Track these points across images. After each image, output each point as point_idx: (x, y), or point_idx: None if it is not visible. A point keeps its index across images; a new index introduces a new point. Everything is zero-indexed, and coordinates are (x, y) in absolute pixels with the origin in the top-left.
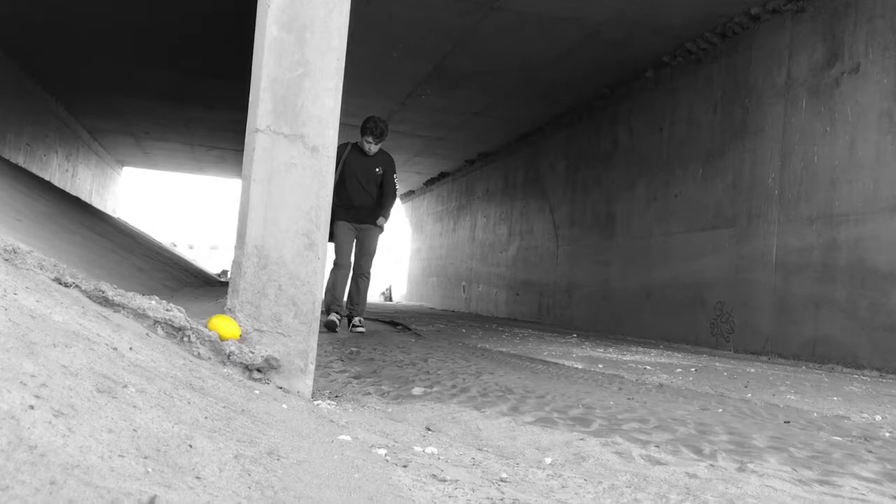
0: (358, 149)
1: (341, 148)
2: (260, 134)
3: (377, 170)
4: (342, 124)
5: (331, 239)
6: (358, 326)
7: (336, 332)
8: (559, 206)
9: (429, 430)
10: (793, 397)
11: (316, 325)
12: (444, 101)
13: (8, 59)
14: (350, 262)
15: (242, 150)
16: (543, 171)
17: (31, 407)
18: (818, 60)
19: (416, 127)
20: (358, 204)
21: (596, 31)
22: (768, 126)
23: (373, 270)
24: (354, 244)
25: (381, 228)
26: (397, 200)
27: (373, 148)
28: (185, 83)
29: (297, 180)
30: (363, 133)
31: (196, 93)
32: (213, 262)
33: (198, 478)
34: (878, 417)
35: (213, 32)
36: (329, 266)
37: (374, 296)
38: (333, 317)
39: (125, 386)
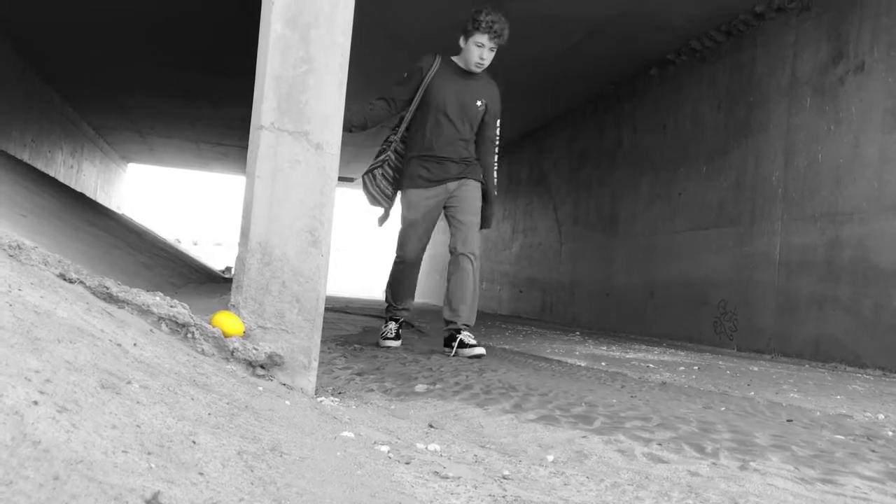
0: (451, 67)
1: (419, 68)
2: (264, 131)
3: (478, 103)
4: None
5: (384, 206)
6: (470, 346)
7: (394, 345)
8: (563, 204)
9: (431, 427)
10: (796, 396)
11: (319, 322)
12: None
13: (14, 55)
14: (421, 255)
15: (247, 147)
16: (547, 168)
17: (35, 403)
18: (823, 59)
19: None
20: (446, 154)
21: (601, 29)
22: (772, 124)
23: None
24: (441, 219)
25: (487, 222)
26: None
27: (484, 58)
28: (191, 80)
29: (301, 177)
30: (474, 29)
31: (201, 89)
32: (218, 258)
33: (201, 474)
34: (882, 416)
35: (218, 29)
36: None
37: (377, 293)
38: (390, 340)
39: (129, 382)
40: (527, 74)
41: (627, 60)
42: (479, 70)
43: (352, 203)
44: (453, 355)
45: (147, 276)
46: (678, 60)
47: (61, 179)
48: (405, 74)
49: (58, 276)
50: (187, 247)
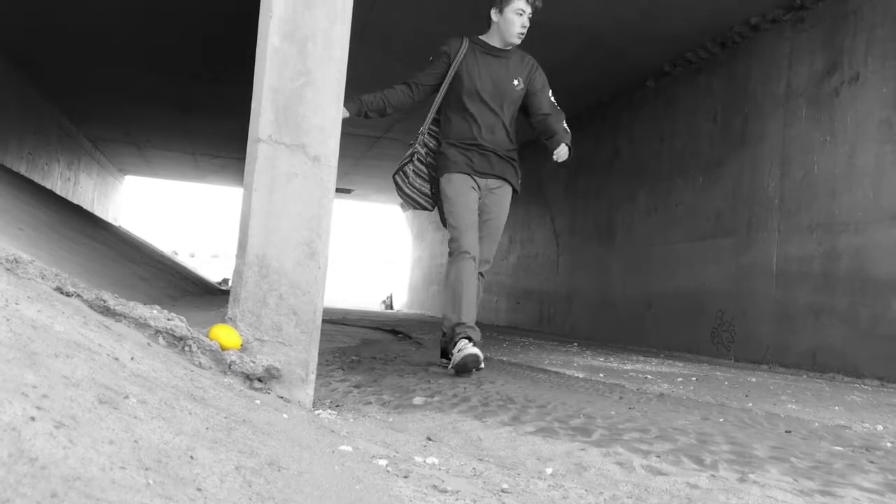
0: (481, 48)
1: (446, 52)
2: (261, 144)
3: (515, 82)
4: (344, 134)
5: (427, 205)
6: (467, 350)
7: (477, 369)
8: (560, 215)
9: (430, 440)
10: (794, 407)
11: (317, 335)
12: None
13: (11, 68)
14: (476, 240)
15: (244, 159)
16: (545, 179)
17: (33, 418)
18: (818, 70)
19: None
20: (486, 140)
21: (597, 40)
22: (768, 135)
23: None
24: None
25: (566, 149)
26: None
27: (525, 26)
28: (188, 92)
29: (299, 190)
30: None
31: (198, 102)
32: (215, 270)
33: (199, 489)
34: (880, 427)
35: (216, 42)
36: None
37: (374, 304)
38: (468, 351)
39: (126, 397)
40: None
41: (624, 71)
42: (519, 41)
43: (349, 214)
44: (446, 362)
45: (144, 289)
46: (674, 71)
47: (58, 192)
48: (430, 59)
49: (55, 289)
50: (184, 259)
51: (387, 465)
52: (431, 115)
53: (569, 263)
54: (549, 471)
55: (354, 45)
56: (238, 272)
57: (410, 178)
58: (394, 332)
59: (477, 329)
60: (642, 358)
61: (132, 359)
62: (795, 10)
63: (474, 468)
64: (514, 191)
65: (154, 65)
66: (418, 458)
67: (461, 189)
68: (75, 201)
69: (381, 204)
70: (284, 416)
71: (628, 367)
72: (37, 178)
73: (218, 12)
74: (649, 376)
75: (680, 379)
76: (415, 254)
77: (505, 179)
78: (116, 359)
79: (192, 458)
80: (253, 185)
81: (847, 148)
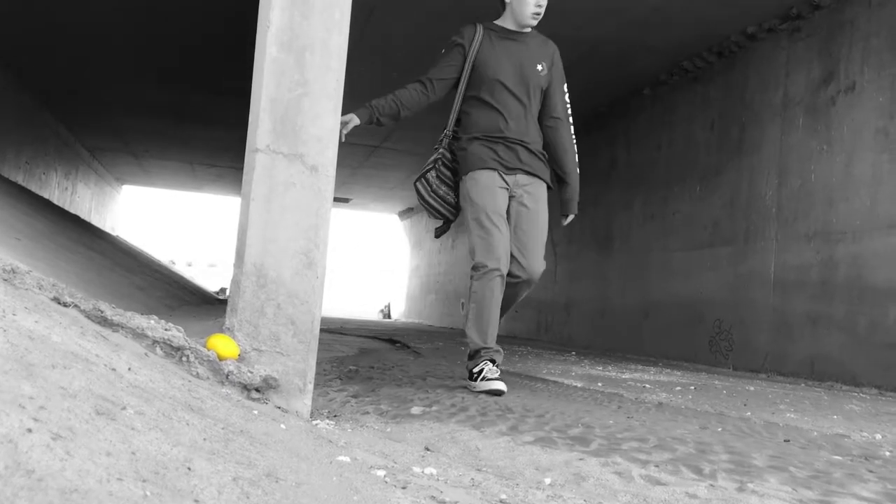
0: (497, 32)
1: (459, 43)
2: (259, 153)
3: (539, 67)
4: (341, 143)
5: (449, 215)
6: (493, 386)
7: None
8: (557, 223)
9: (428, 450)
10: (792, 416)
11: (315, 344)
12: (443, 120)
13: (9, 78)
14: (507, 251)
15: (241, 168)
16: None
17: (30, 430)
18: (814, 79)
19: (416, 144)
20: (517, 137)
21: (595, 50)
22: (765, 144)
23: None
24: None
25: (571, 206)
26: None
27: (541, 5)
28: (185, 102)
29: (296, 199)
30: None
31: (196, 111)
32: (212, 279)
33: (196, 501)
34: (878, 436)
35: (213, 52)
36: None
37: (372, 313)
38: (493, 386)
39: (124, 408)
40: None
41: (621, 81)
42: (535, 22)
43: (347, 223)
44: (475, 384)
45: (141, 299)
46: (671, 81)
47: (55, 201)
48: (443, 51)
49: (52, 299)
50: (181, 268)
51: (385, 476)
52: (454, 114)
53: (567, 272)
54: (547, 481)
55: (352, 55)
56: (236, 282)
57: (434, 186)
58: (391, 341)
59: (500, 350)
60: (640, 367)
61: (129, 369)
62: (791, 20)
63: (472, 478)
64: (549, 187)
65: (152, 75)
66: (416, 469)
67: (488, 189)
68: (73, 211)
69: (379, 213)
70: (282, 426)
71: (626, 376)
72: (34, 188)
73: (216, 23)
74: (647, 385)
75: (678, 388)
76: (412, 263)
77: (537, 175)
78: (114, 369)
79: (189, 469)
80: (251, 195)
81: (844, 157)
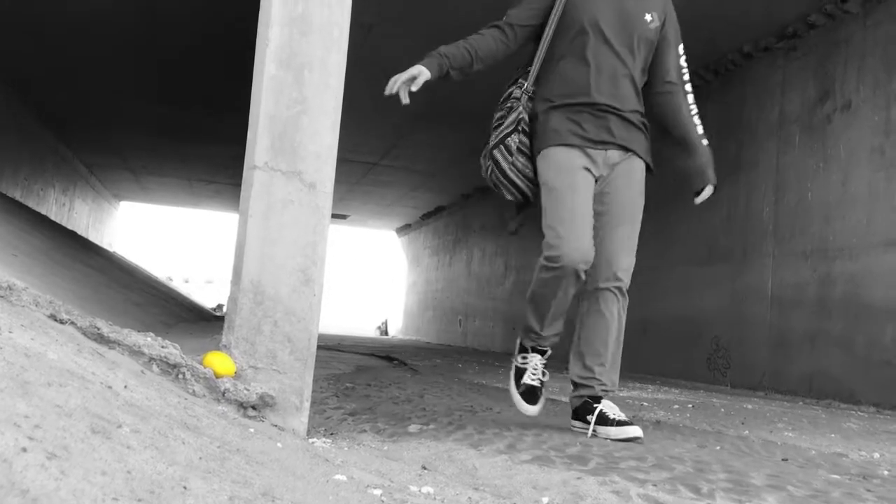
0: None
1: None
2: (257, 171)
3: (647, 17)
4: (340, 160)
5: (529, 194)
6: (619, 423)
7: (534, 405)
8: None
9: (425, 468)
10: (790, 434)
11: (312, 362)
12: (441, 136)
13: (8, 94)
14: (591, 252)
15: (239, 185)
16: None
17: (24, 449)
18: (810, 98)
19: (414, 161)
20: (607, 101)
21: None
22: (762, 161)
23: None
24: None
25: (711, 190)
26: None
27: None
28: (184, 119)
29: (294, 216)
30: None
31: (194, 128)
32: (209, 295)
33: None
34: (877, 455)
35: (212, 69)
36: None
37: (369, 330)
38: (531, 378)
39: (119, 426)
40: None
41: None
42: None
43: (344, 240)
44: (591, 435)
45: (138, 315)
46: None
47: (53, 217)
48: None
49: (48, 316)
50: (178, 284)
51: (381, 495)
52: (535, 70)
53: None
54: (545, 500)
55: (350, 73)
56: (233, 299)
57: (514, 156)
58: (389, 358)
59: (548, 339)
60: (638, 384)
61: (126, 387)
62: (787, 39)
63: (470, 497)
64: (648, 168)
65: (151, 92)
66: (413, 488)
67: (566, 170)
68: (70, 227)
69: (377, 230)
70: (279, 444)
71: (624, 393)
72: (32, 204)
73: (215, 40)
74: (645, 403)
75: (676, 406)
76: (410, 279)
77: (632, 150)
78: (110, 387)
79: (185, 488)
80: (248, 212)
81: (840, 175)
